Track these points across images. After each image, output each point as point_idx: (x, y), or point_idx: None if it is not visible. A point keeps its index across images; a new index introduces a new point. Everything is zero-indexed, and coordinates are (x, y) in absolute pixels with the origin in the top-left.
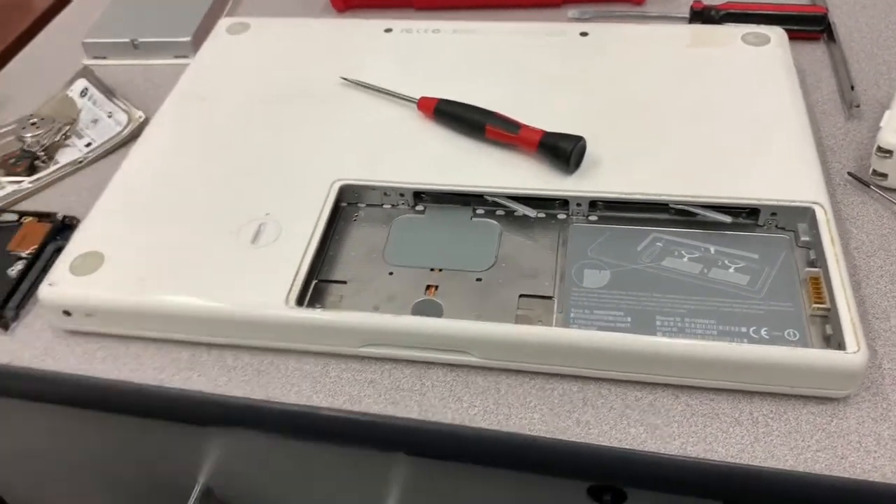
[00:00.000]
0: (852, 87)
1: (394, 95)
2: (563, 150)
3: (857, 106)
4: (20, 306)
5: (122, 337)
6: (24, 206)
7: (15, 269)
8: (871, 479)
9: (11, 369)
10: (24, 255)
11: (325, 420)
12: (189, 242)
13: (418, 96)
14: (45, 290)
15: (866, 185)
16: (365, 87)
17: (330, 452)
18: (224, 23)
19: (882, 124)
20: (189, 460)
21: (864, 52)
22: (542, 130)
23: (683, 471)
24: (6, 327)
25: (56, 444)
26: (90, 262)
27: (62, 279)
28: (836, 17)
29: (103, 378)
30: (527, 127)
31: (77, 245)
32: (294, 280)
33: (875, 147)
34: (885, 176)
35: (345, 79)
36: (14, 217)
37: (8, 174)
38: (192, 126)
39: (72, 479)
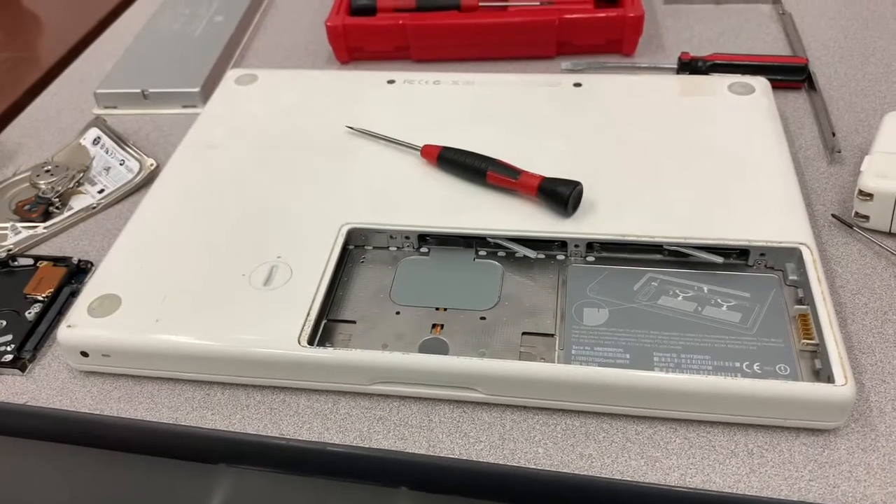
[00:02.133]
0: (833, 134)
1: (398, 143)
2: (561, 195)
3: (839, 151)
4: (37, 348)
5: (137, 377)
6: (40, 250)
7: (32, 312)
8: None
9: (29, 409)
10: (40, 298)
11: (336, 456)
12: (203, 285)
13: (421, 144)
14: (63, 332)
15: (849, 226)
16: (370, 135)
17: (335, 492)
18: (232, 74)
19: (863, 169)
20: (198, 502)
21: (844, 100)
22: (540, 176)
23: (682, 502)
24: (24, 368)
25: (68, 484)
26: (107, 305)
27: (80, 321)
28: (816, 68)
29: (119, 417)
30: (526, 173)
31: (94, 288)
32: (305, 320)
33: (857, 191)
34: (866, 218)
35: (350, 128)
36: (30, 261)
37: (23, 220)
38: (204, 173)
39: None
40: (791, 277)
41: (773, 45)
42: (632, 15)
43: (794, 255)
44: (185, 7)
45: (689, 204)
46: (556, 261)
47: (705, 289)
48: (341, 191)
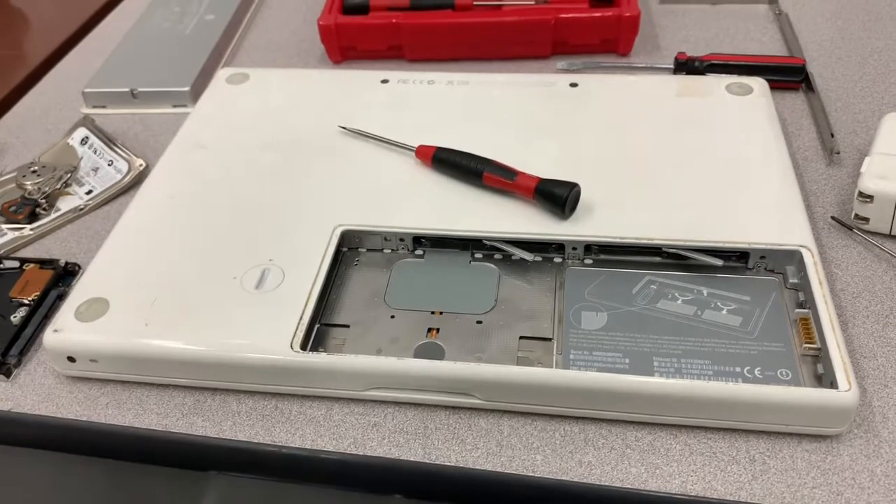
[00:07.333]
0: (832, 135)
1: (392, 144)
2: (558, 196)
3: (838, 153)
4: (23, 353)
5: (125, 382)
6: (26, 252)
7: (17, 316)
8: None
9: (14, 416)
10: (26, 301)
11: (329, 463)
12: (193, 288)
13: (416, 144)
14: (50, 337)
15: (849, 228)
16: (363, 135)
17: (329, 500)
18: (223, 73)
19: (862, 170)
20: None
21: (842, 101)
22: (537, 177)
23: None
24: (8, 374)
25: (54, 492)
26: (95, 309)
27: (67, 325)
28: (813, 68)
29: (106, 423)
30: (523, 174)
31: (82, 291)
32: (298, 325)
33: (856, 192)
34: (866, 220)
35: (343, 128)
36: (16, 264)
37: (9, 221)
38: (195, 174)
39: None
40: (791, 280)
41: (769, 46)
42: (627, 14)
43: (794, 257)
44: (175, 5)
45: (688, 205)
46: (553, 263)
47: (705, 292)
48: (335, 192)
